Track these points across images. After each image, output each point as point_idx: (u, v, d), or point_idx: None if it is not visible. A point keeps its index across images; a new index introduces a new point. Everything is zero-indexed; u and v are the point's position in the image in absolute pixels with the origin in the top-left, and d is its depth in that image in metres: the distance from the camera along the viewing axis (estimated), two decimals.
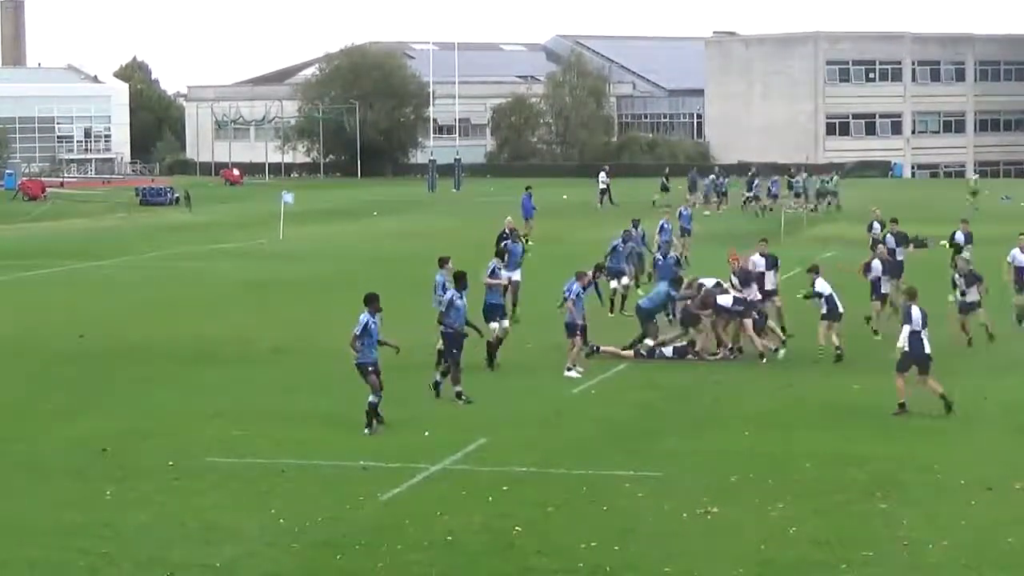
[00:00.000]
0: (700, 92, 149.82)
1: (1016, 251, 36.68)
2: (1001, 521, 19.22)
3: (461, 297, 27.89)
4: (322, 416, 25.64)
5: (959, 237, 41.75)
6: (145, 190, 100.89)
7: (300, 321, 38.33)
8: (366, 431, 24.55)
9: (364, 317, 24.76)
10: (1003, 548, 18.13)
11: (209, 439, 24.28)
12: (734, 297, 32.25)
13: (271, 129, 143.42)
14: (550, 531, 18.91)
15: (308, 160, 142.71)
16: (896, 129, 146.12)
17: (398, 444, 23.77)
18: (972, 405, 25.68)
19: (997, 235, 47.83)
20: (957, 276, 34.79)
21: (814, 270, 32.83)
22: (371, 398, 24.67)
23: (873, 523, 19.19)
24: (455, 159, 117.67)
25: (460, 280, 28.48)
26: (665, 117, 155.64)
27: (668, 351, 32.23)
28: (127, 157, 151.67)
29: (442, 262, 31.07)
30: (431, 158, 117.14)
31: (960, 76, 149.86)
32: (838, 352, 31.71)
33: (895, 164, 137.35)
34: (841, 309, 32.09)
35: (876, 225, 45.28)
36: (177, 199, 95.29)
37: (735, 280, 33.01)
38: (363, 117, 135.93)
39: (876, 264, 35.19)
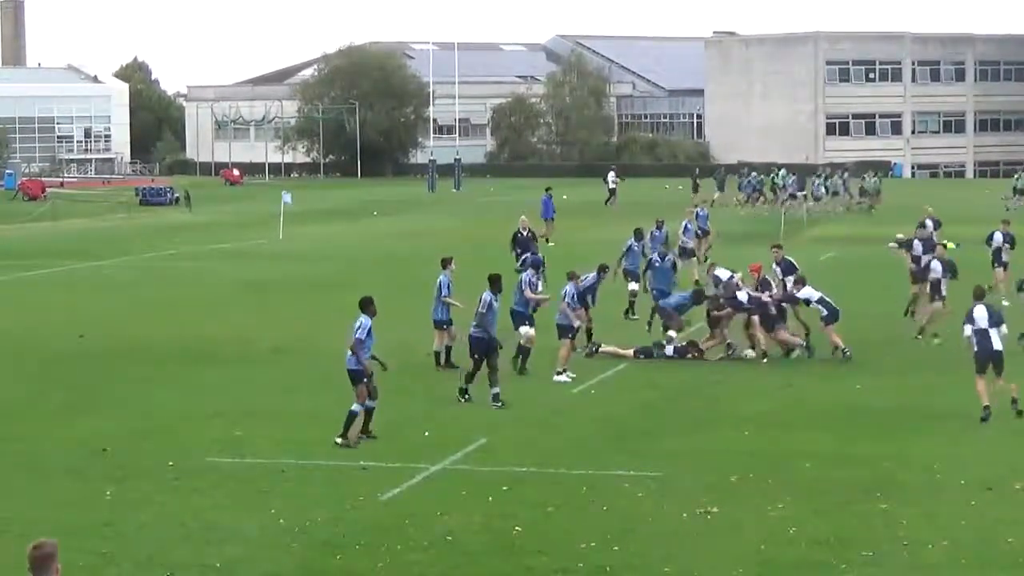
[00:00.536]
0: (700, 92, 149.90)
1: None
2: (1001, 521, 19.20)
3: (497, 300, 27.30)
4: (322, 416, 25.58)
5: (997, 238, 40.05)
6: (145, 190, 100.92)
7: (300, 321, 38.30)
8: (337, 440, 23.41)
9: (366, 321, 23.84)
10: (1003, 548, 18.11)
11: (209, 439, 24.25)
12: (748, 295, 32.35)
13: (271, 129, 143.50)
14: (550, 531, 18.88)
15: (308, 160, 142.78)
16: (896, 129, 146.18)
17: (398, 444, 23.74)
18: (972, 405, 25.64)
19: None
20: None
21: (800, 282, 32.66)
22: (354, 407, 23.67)
23: (873, 523, 19.16)
24: (455, 159, 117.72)
25: (495, 283, 27.54)
26: (665, 117, 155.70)
27: (669, 351, 32.25)
28: (127, 157, 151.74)
29: (445, 262, 31.00)
30: (431, 158, 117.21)
31: (960, 76, 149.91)
32: (840, 352, 31.75)
33: (895, 164, 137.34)
34: (839, 309, 32.13)
35: (929, 223, 41.37)
36: (177, 199, 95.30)
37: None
38: (363, 117, 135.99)
39: (936, 264, 34.23)
